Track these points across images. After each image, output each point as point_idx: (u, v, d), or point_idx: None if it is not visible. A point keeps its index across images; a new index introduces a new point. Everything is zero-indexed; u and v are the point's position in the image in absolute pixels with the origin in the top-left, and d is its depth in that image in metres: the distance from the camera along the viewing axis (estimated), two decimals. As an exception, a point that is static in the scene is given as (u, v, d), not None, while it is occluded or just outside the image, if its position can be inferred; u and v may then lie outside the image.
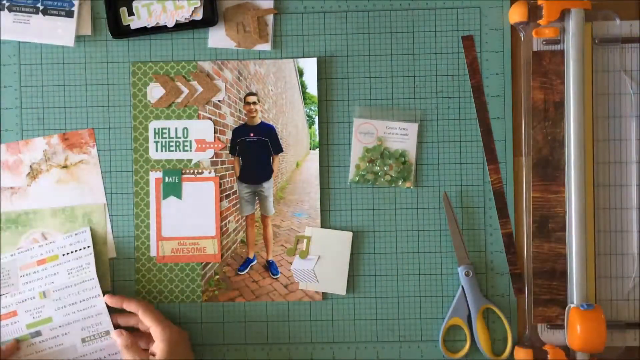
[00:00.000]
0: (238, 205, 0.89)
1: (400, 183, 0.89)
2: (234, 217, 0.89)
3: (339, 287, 0.89)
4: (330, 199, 0.89)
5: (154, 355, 0.82)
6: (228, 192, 0.89)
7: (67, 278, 0.86)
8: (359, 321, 0.89)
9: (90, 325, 0.85)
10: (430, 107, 0.89)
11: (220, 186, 0.89)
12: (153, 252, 0.89)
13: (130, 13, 0.88)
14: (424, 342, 0.89)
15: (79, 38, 0.89)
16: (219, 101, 0.89)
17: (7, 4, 0.87)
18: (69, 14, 0.88)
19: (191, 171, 0.89)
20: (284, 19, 0.89)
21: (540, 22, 0.85)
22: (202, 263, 0.89)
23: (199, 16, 0.88)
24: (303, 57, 0.89)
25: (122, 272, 0.89)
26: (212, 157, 0.89)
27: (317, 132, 0.89)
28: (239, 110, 0.89)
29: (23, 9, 0.87)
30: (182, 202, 0.89)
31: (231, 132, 0.89)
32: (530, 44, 0.88)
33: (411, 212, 0.89)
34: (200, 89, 0.89)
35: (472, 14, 0.89)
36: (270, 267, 0.89)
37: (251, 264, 0.89)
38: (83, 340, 0.86)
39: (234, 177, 0.90)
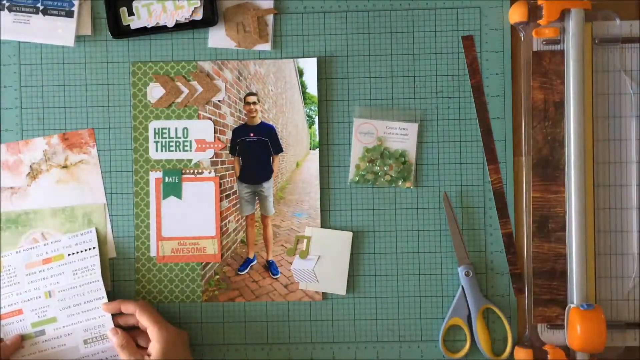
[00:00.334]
0: (238, 205, 0.89)
1: (400, 183, 0.89)
2: (234, 217, 0.89)
3: (339, 287, 0.89)
4: (330, 199, 0.89)
5: (150, 355, 0.82)
6: (228, 192, 0.89)
7: (72, 279, 0.86)
8: (359, 321, 0.89)
9: (93, 327, 0.85)
10: (430, 107, 0.89)
11: (220, 186, 0.89)
12: (153, 252, 0.89)
13: (130, 13, 0.88)
14: (424, 342, 0.89)
15: (79, 38, 0.89)
16: (219, 101, 0.89)
17: (7, 4, 0.87)
18: (69, 14, 0.88)
19: (191, 171, 0.89)
20: (284, 19, 0.89)
21: (540, 22, 0.85)
22: (202, 263, 0.89)
23: (199, 16, 0.88)
24: (303, 57, 0.89)
25: (122, 272, 0.89)
26: (212, 157, 0.89)
27: (317, 132, 0.89)
28: (239, 110, 0.89)
29: (23, 9, 0.87)
30: (182, 202, 0.89)
31: (231, 132, 0.89)
32: (530, 44, 0.88)
33: (411, 212, 0.89)
34: (200, 89, 0.89)
35: (472, 14, 0.89)
36: (270, 267, 0.89)
37: (251, 264, 0.89)
38: (85, 342, 0.86)
39: (234, 177, 0.90)
